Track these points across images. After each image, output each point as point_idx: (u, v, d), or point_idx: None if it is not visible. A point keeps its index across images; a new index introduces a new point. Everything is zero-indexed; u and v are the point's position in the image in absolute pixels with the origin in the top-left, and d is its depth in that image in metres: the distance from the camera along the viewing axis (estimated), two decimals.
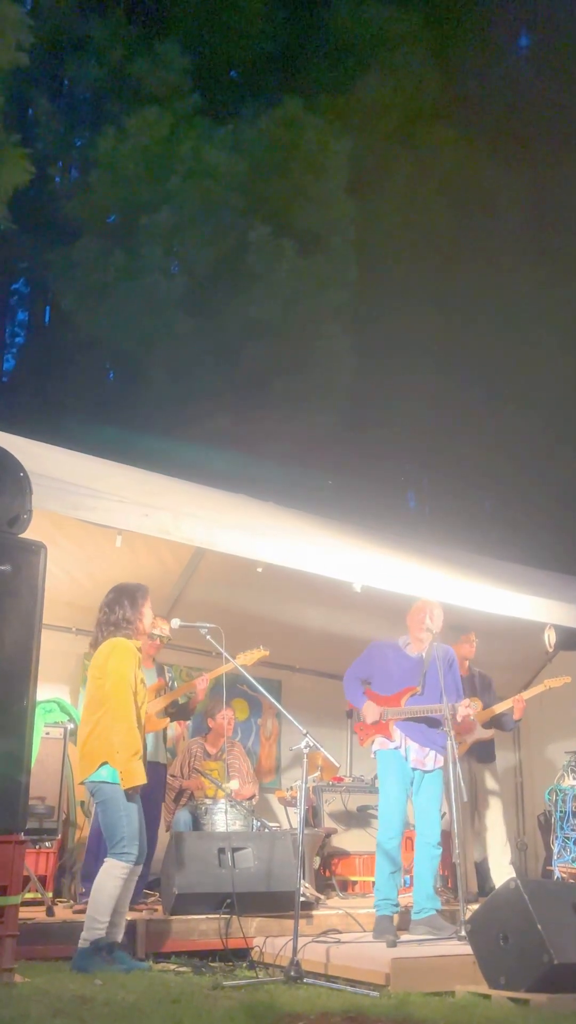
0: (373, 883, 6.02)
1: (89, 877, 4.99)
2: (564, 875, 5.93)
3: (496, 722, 6.18)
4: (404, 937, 4.59)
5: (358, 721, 5.11)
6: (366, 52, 17.52)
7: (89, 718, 4.11)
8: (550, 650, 6.44)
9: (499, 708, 6.05)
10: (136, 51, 17.00)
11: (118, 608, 4.21)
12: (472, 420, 16.50)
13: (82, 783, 4.16)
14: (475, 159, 17.39)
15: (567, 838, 5.99)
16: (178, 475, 6.50)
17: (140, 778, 3.93)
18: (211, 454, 12.41)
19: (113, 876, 3.93)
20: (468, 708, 4.98)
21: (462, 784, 4.69)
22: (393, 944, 4.32)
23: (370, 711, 4.95)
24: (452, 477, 16.88)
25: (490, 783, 6.30)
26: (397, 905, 4.79)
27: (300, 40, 18.20)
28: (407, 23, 17.67)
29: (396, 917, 4.78)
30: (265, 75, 18.26)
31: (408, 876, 5.80)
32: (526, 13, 19.95)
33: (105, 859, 3.99)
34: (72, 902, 5.15)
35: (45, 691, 5.27)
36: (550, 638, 6.17)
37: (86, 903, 4.78)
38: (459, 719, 4.92)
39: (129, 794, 3.94)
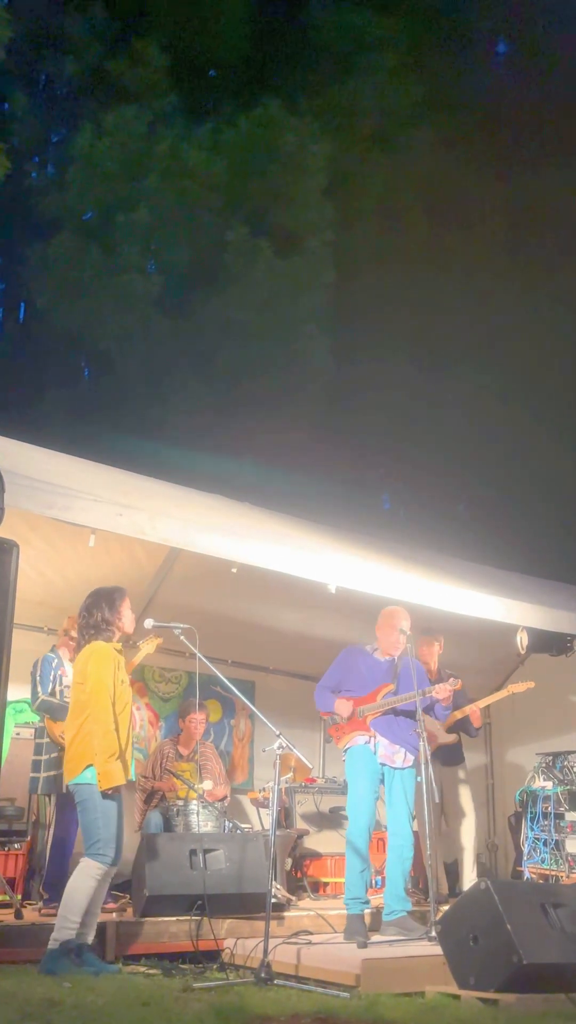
0: (344, 883, 6.05)
1: (52, 884, 4.98)
2: (534, 875, 5.98)
3: (460, 726, 6.22)
4: (375, 938, 4.61)
5: (332, 725, 5.11)
6: (345, 55, 17.57)
7: (73, 723, 4.14)
8: (522, 652, 6.50)
9: (458, 714, 6.10)
10: (115, 48, 16.91)
11: (96, 611, 4.23)
12: (447, 423, 16.60)
13: (67, 786, 4.19)
14: (453, 164, 17.49)
15: (537, 839, 6.04)
16: (153, 475, 6.47)
17: (118, 779, 3.95)
18: (186, 456, 12.38)
19: (88, 876, 3.92)
20: (448, 684, 5.04)
21: (434, 785, 4.71)
22: (364, 945, 4.34)
23: (342, 706, 4.97)
24: (427, 480, 16.95)
25: (459, 785, 6.33)
26: (367, 903, 4.80)
27: (279, 41, 18.21)
28: (386, 28, 17.74)
29: (367, 915, 4.79)
30: (244, 75, 18.24)
31: (380, 877, 5.82)
32: (504, 20, 20.10)
33: (82, 859, 3.99)
34: (41, 904, 5.11)
35: (16, 691, 5.22)
36: (522, 640, 6.22)
37: (52, 907, 4.77)
38: (442, 697, 4.99)
39: (106, 794, 3.94)
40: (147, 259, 15.95)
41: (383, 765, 4.92)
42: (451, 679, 5.20)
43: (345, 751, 5.03)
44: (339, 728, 5.04)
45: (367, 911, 4.80)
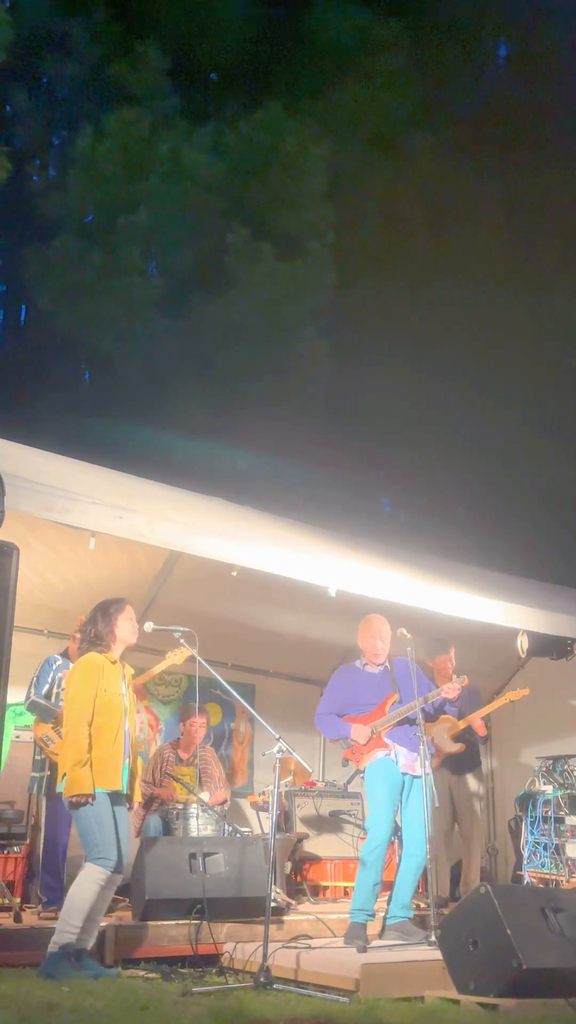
0: (344, 888, 6.05)
1: (47, 888, 4.98)
2: (534, 880, 5.97)
3: (465, 736, 6.21)
4: (374, 942, 4.60)
5: (346, 748, 5.06)
6: (346, 58, 17.59)
7: (64, 732, 4.19)
8: (522, 656, 6.49)
9: (461, 724, 6.09)
10: (116, 51, 16.93)
11: (91, 625, 4.28)
12: (447, 425, 16.60)
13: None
14: (453, 167, 17.51)
15: (537, 843, 6.03)
16: (155, 467, 6.48)
17: (82, 787, 3.95)
18: (188, 444, 12.44)
19: (90, 881, 3.92)
20: (456, 682, 5.01)
21: (434, 789, 4.70)
22: (363, 949, 4.33)
23: (360, 732, 4.92)
24: (427, 482, 16.96)
25: (468, 792, 6.33)
26: (372, 915, 4.78)
27: (280, 44, 18.23)
28: (387, 30, 17.75)
29: (369, 926, 4.77)
30: (245, 78, 18.26)
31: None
32: (505, 23, 20.12)
33: (84, 863, 3.99)
34: (40, 908, 5.10)
35: (16, 694, 5.21)
36: (522, 644, 6.21)
37: (51, 910, 4.77)
38: (453, 696, 4.98)
39: (71, 801, 3.96)
40: (148, 261, 15.98)
41: (405, 774, 4.89)
42: (454, 676, 5.16)
43: (365, 768, 4.97)
44: (356, 750, 4.97)
45: (370, 921, 4.79)
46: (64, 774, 4.03)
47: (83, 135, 15.79)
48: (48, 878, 5.06)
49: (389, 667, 5.08)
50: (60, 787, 4.09)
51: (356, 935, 4.58)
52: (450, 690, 4.98)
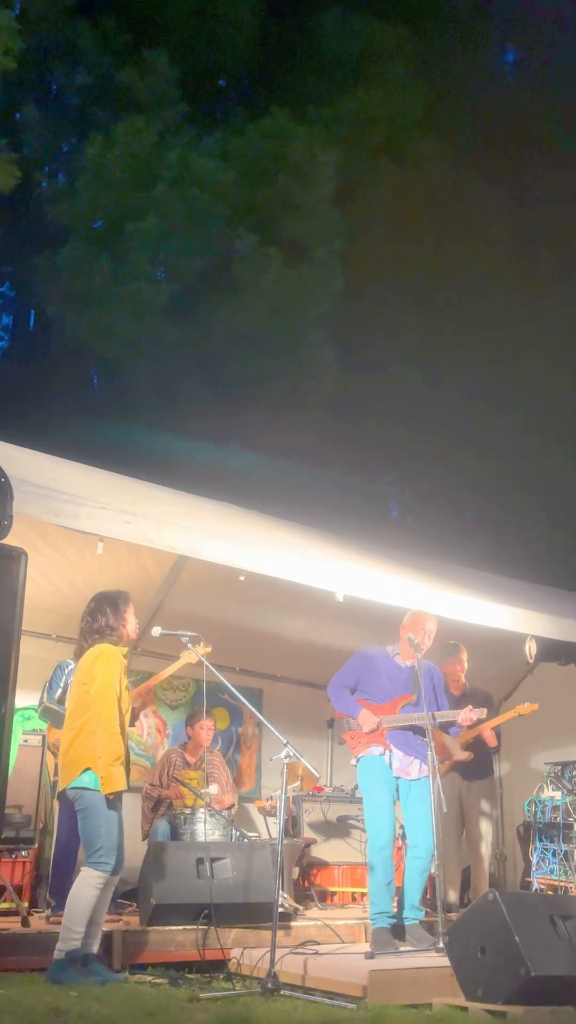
0: (352, 894, 6.03)
1: (57, 892, 4.96)
2: (542, 887, 5.93)
3: (476, 745, 6.18)
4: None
5: (347, 730, 5.07)
6: (353, 64, 17.65)
7: (72, 724, 4.07)
8: (531, 661, 6.47)
9: (471, 734, 6.07)
10: (125, 58, 17.03)
11: (100, 615, 4.21)
12: (455, 431, 16.60)
13: (63, 790, 4.10)
14: (460, 173, 17.54)
15: (546, 849, 6.00)
16: (161, 480, 6.49)
17: (120, 784, 3.90)
18: (196, 450, 12.48)
19: (89, 885, 3.89)
20: (473, 713, 5.00)
21: (442, 795, 4.69)
22: (371, 956, 4.31)
23: (367, 720, 4.90)
24: (434, 487, 16.94)
25: (478, 798, 6.31)
26: (395, 916, 4.76)
27: (288, 51, 18.30)
28: (394, 37, 17.81)
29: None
30: (253, 85, 18.35)
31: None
32: (513, 29, 20.18)
33: (82, 868, 3.96)
34: (49, 912, 5.10)
35: (24, 698, 5.22)
36: (531, 649, 6.19)
37: (60, 915, 4.76)
38: (465, 724, 5.00)
39: (110, 800, 3.91)
40: (156, 268, 16.04)
41: (398, 778, 4.88)
42: (471, 708, 5.08)
43: (358, 760, 4.99)
44: (356, 736, 4.97)
45: (393, 923, 4.75)
46: (86, 769, 3.91)
47: (92, 142, 15.88)
48: (59, 881, 5.04)
49: (416, 668, 5.01)
50: (75, 784, 3.95)
51: (384, 942, 4.54)
52: (464, 719, 5.01)
